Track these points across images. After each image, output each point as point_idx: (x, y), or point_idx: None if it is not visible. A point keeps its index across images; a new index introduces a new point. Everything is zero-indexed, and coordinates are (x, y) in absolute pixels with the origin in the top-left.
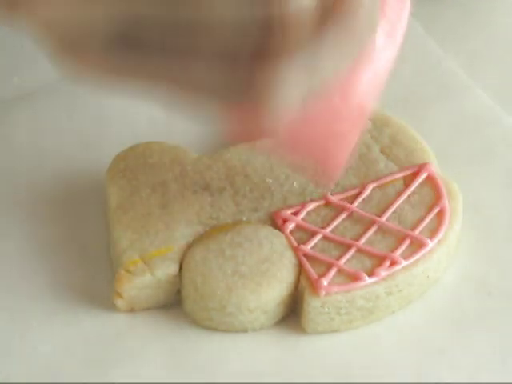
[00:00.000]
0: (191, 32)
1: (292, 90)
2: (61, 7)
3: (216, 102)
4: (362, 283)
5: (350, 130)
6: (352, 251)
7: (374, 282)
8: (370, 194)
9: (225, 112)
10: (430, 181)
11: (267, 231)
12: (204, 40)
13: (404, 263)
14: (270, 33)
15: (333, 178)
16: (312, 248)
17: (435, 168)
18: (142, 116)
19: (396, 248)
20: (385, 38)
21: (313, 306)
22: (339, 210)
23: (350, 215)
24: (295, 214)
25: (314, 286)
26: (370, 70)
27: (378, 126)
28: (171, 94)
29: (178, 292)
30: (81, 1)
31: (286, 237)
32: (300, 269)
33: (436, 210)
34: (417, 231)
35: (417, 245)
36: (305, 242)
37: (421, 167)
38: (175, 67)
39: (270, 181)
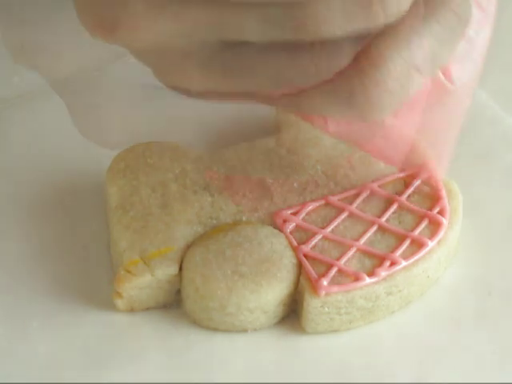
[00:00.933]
0: (293, 21)
1: (402, 78)
2: (159, 34)
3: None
4: (361, 283)
5: (455, 117)
6: (352, 251)
7: (374, 282)
8: (370, 194)
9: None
10: (430, 181)
11: (267, 231)
12: (311, 26)
13: (404, 263)
14: (372, 12)
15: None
16: (312, 248)
17: (435, 168)
18: (141, 116)
19: (396, 248)
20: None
21: (313, 306)
22: (339, 210)
23: (350, 215)
24: (295, 214)
25: (314, 286)
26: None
27: None
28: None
29: (178, 292)
30: (183, 22)
31: (286, 237)
32: (300, 269)
33: (436, 209)
34: (417, 231)
35: (417, 245)
36: (305, 242)
37: (421, 167)
38: (278, 65)
39: (270, 181)
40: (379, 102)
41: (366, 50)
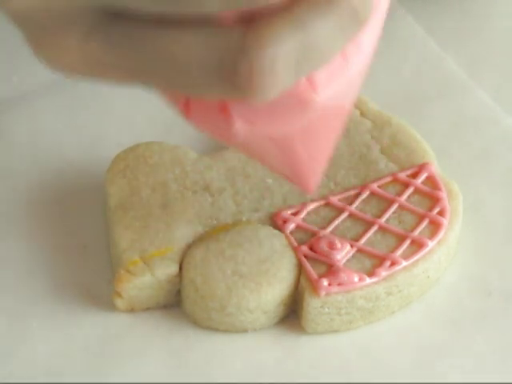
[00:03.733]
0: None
1: (282, 65)
2: None
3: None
4: (362, 283)
5: (331, 131)
6: (352, 251)
7: (374, 282)
8: (370, 194)
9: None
10: (430, 181)
11: (267, 231)
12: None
13: (404, 263)
14: None
15: (310, 188)
16: (312, 248)
17: (435, 168)
18: (142, 116)
19: (396, 248)
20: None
21: (313, 306)
22: (339, 210)
23: (350, 215)
24: (295, 214)
25: (314, 286)
26: (357, 60)
27: (379, 125)
28: (156, 83)
29: (178, 292)
30: None
31: (286, 237)
32: (300, 269)
33: (436, 210)
34: (417, 231)
35: (417, 245)
36: (305, 242)
37: (421, 167)
38: (162, 42)
39: (270, 181)
40: (262, 83)
41: (256, 26)
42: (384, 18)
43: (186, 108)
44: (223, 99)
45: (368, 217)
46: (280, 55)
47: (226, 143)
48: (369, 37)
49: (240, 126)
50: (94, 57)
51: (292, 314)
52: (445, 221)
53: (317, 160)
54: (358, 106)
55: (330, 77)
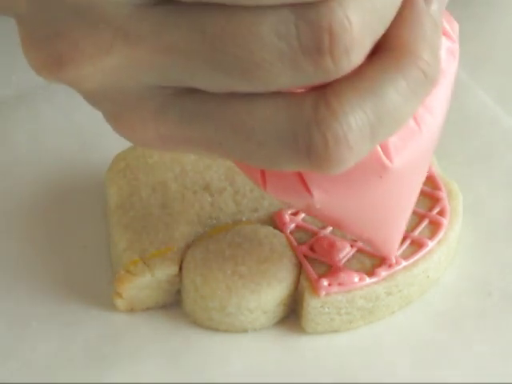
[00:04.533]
0: (245, 70)
1: (358, 137)
2: (109, 70)
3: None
4: (362, 283)
5: (408, 198)
6: (352, 251)
7: (374, 282)
8: None
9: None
10: (430, 181)
11: (267, 231)
12: (260, 77)
13: (404, 263)
14: (320, 54)
15: (391, 253)
16: (312, 248)
17: (435, 168)
18: None
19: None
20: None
21: (313, 306)
22: None
23: None
24: (295, 214)
25: (314, 286)
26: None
27: None
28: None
29: (178, 292)
30: (132, 61)
31: (286, 237)
32: (300, 269)
33: (436, 209)
34: (417, 231)
35: (417, 245)
36: (305, 242)
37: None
38: (236, 115)
39: None
40: (338, 156)
41: (328, 96)
42: (453, 83)
43: (263, 179)
44: (293, 170)
45: None
46: (354, 125)
47: (305, 212)
48: (439, 101)
49: (317, 196)
50: (169, 132)
51: (292, 314)
52: (445, 221)
53: (395, 226)
54: None
55: (404, 143)
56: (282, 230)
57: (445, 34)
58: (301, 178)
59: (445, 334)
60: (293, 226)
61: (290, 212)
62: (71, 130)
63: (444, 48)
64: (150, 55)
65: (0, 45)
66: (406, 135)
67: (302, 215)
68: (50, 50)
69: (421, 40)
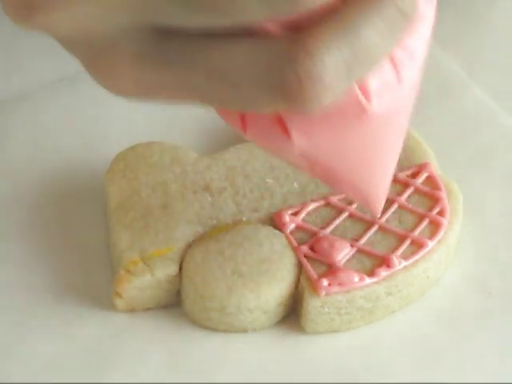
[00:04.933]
0: (214, 2)
1: (333, 73)
2: (82, 15)
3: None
4: (362, 283)
5: (391, 148)
6: (352, 251)
7: (374, 282)
8: None
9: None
10: (430, 181)
11: (267, 231)
12: (229, 9)
13: (404, 263)
14: None
15: (377, 209)
16: (312, 248)
17: (435, 168)
18: (142, 116)
19: (396, 248)
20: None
21: (313, 306)
22: (339, 210)
23: (350, 215)
24: (295, 214)
25: (314, 286)
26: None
27: None
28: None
29: (178, 292)
30: (103, 5)
31: (286, 237)
32: (300, 269)
33: (436, 210)
34: (417, 231)
35: (417, 245)
36: (305, 242)
37: (421, 167)
38: (212, 59)
39: (270, 181)
40: (312, 92)
41: (300, 35)
42: (431, 27)
43: (243, 124)
44: (277, 112)
45: (368, 217)
46: (328, 62)
47: (287, 161)
48: (419, 45)
49: (297, 138)
50: (145, 78)
51: (292, 314)
52: (445, 221)
53: (379, 176)
54: None
55: (384, 87)
56: (281, 230)
57: None
58: (280, 121)
59: (445, 334)
60: (293, 226)
61: (290, 212)
62: (71, 130)
63: None
64: None
65: (1, 45)
66: (386, 79)
67: (302, 215)
68: None
69: None
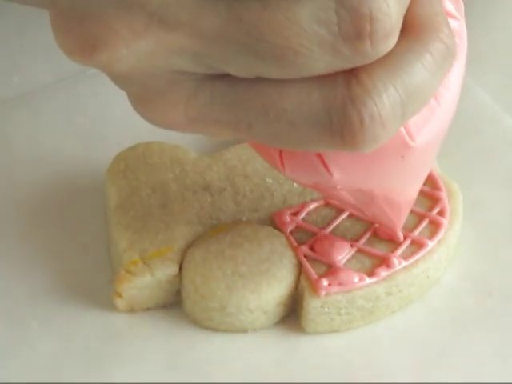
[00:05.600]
0: (281, 57)
1: (389, 112)
2: (141, 57)
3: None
4: (362, 283)
5: (423, 172)
6: (352, 251)
7: (374, 282)
8: None
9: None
10: (430, 181)
11: (267, 231)
12: (296, 64)
13: (404, 263)
14: (360, 39)
15: (398, 228)
16: (312, 248)
17: (435, 168)
18: None
19: (396, 248)
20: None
21: (313, 306)
22: (339, 210)
23: (350, 215)
24: (295, 214)
25: (314, 286)
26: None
27: None
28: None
29: (178, 292)
30: (166, 46)
31: (286, 237)
32: (300, 269)
33: (436, 209)
34: (417, 231)
35: (417, 245)
36: (305, 242)
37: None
38: (269, 97)
39: (270, 181)
40: (372, 133)
41: (356, 74)
42: (465, 59)
43: (281, 162)
44: (321, 151)
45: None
46: (387, 102)
47: (321, 193)
48: (454, 77)
49: (337, 176)
50: (198, 115)
51: (292, 314)
52: (445, 221)
53: (408, 200)
54: None
55: (424, 121)
56: (282, 230)
57: (448, 14)
58: (320, 158)
59: (445, 334)
60: (293, 226)
61: (290, 212)
62: (71, 131)
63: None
64: (185, 41)
65: (1, 45)
66: (425, 112)
67: (302, 215)
68: (83, 32)
69: (438, 14)
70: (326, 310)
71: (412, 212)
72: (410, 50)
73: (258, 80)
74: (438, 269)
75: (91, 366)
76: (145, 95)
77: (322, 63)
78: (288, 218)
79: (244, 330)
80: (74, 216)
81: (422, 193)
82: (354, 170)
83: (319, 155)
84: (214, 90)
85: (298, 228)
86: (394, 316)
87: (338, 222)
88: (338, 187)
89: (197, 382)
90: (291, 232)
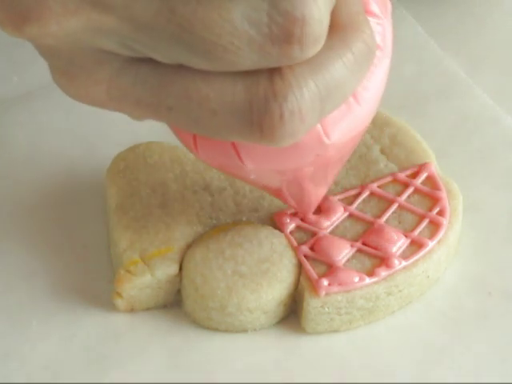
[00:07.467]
0: (210, 52)
1: (308, 108)
2: (72, 29)
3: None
4: (362, 283)
5: (338, 163)
6: (352, 251)
7: (374, 282)
8: (370, 194)
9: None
10: (430, 181)
11: (267, 231)
12: (224, 60)
13: (404, 263)
14: (290, 43)
15: (308, 211)
16: (312, 248)
17: (435, 168)
18: None
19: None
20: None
21: (313, 306)
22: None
23: (350, 215)
24: (295, 214)
25: (314, 286)
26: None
27: (378, 125)
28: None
29: (178, 292)
30: (95, 24)
31: (286, 237)
32: (300, 269)
33: (436, 209)
34: (417, 231)
35: (417, 245)
36: (305, 242)
37: (421, 167)
38: (193, 83)
39: None
40: (291, 128)
41: (279, 69)
42: (389, 58)
43: (194, 145)
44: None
45: (368, 217)
46: (307, 97)
47: (233, 176)
48: (375, 75)
49: (250, 166)
50: (120, 94)
51: (292, 314)
52: (445, 221)
53: (322, 188)
54: None
55: (341, 118)
56: (281, 230)
57: (371, 14)
58: (234, 146)
59: (445, 334)
60: (293, 226)
61: (290, 212)
62: (71, 131)
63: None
64: (115, 24)
65: (1, 45)
66: (343, 110)
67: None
68: (16, 3)
69: (359, 14)
70: (326, 309)
71: (412, 212)
72: (332, 48)
73: (184, 67)
74: (438, 269)
75: (91, 365)
76: (69, 70)
77: (249, 61)
78: (288, 218)
79: (244, 330)
80: (74, 216)
81: (421, 193)
82: (267, 161)
83: (233, 144)
84: (137, 71)
85: (297, 228)
86: (394, 316)
87: (337, 222)
88: (251, 177)
89: (197, 382)
90: (291, 232)
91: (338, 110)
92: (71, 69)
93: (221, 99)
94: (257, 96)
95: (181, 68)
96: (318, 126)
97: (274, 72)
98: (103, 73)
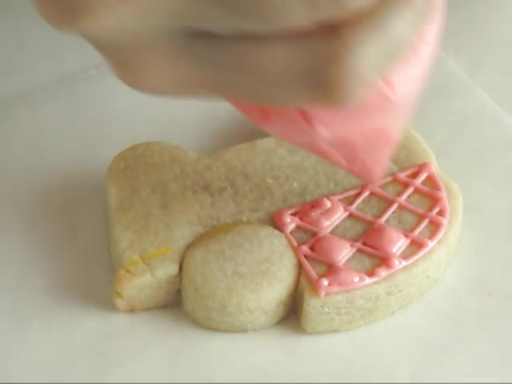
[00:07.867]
0: (260, 9)
1: (368, 67)
2: (123, 19)
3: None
4: (361, 283)
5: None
6: (352, 251)
7: (374, 282)
8: (370, 194)
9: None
10: (430, 181)
11: (267, 231)
12: (275, 15)
13: (404, 263)
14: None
15: (372, 177)
16: (312, 248)
17: (435, 168)
18: (141, 116)
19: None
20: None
21: (313, 306)
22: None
23: (350, 215)
24: (295, 214)
25: (314, 286)
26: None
27: None
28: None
29: (178, 292)
30: (144, 9)
31: (286, 237)
32: (300, 269)
33: (436, 209)
34: (417, 231)
35: (417, 245)
36: (305, 242)
37: (421, 167)
38: (249, 57)
39: (270, 181)
40: (352, 87)
41: (340, 33)
42: (441, 9)
43: (265, 117)
44: (303, 107)
45: (368, 217)
46: (365, 57)
47: (304, 149)
48: (433, 27)
49: (322, 132)
50: (182, 76)
51: (292, 314)
52: (445, 221)
53: (387, 150)
54: None
55: (405, 74)
56: (281, 230)
57: None
58: (303, 114)
59: (445, 334)
60: (293, 226)
61: (290, 212)
62: (71, 130)
63: None
64: (166, 1)
65: (1, 45)
66: (405, 66)
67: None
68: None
69: None
70: (326, 309)
71: (412, 212)
72: (391, 4)
73: (240, 39)
74: (437, 269)
75: (91, 365)
76: (127, 60)
77: (299, 13)
78: (288, 218)
79: (244, 330)
80: (74, 216)
81: (421, 193)
82: (337, 126)
83: (302, 111)
84: (196, 50)
85: (297, 228)
86: (394, 316)
87: (338, 222)
88: (323, 144)
89: (197, 382)
90: (291, 232)
91: (398, 64)
92: (129, 58)
93: (279, 68)
94: (315, 59)
95: (238, 41)
96: (381, 82)
97: (331, 34)
98: (161, 57)
